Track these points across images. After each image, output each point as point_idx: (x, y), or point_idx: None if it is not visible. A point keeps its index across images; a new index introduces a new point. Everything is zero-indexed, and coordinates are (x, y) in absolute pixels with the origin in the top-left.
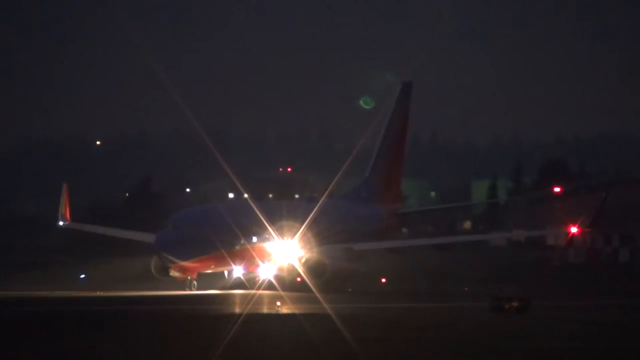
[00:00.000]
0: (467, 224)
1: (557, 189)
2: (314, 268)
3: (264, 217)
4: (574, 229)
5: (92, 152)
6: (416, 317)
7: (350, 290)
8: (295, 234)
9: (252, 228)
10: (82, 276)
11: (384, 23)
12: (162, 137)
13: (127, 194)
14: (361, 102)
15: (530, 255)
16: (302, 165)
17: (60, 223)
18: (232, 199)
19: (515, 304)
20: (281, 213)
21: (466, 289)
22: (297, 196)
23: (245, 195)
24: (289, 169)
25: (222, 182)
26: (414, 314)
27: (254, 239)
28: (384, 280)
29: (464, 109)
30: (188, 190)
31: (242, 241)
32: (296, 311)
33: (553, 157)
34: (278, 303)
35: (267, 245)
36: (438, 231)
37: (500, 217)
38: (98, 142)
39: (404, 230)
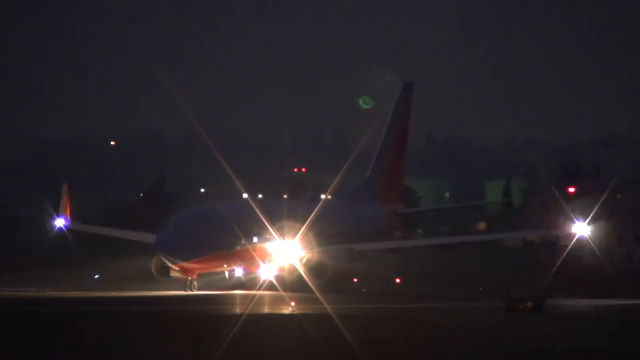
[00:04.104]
0: (481, 225)
1: (571, 190)
2: (315, 268)
3: (264, 217)
4: (577, 229)
5: (106, 152)
6: (431, 318)
7: (364, 290)
8: (296, 234)
9: (253, 228)
10: (96, 276)
11: (399, 23)
12: (176, 138)
13: (141, 195)
14: (360, 102)
15: (544, 255)
16: (317, 165)
17: (62, 223)
18: (245, 198)
19: (529, 304)
20: (282, 213)
21: (480, 289)
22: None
23: (260, 196)
24: (304, 170)
25: (236, 182)
26: (428, 314)
27: (255, 239)
28: (398, 280)
29: (479, 109)
30: (202, 190)
31: (243, 241)
32: (299, 312)
33: (567, 158)
34: (292, 303)
35: (268, 246)
36: (453, 231)
37: (515, 217)
38: (112, 143)
39: (419, 230)
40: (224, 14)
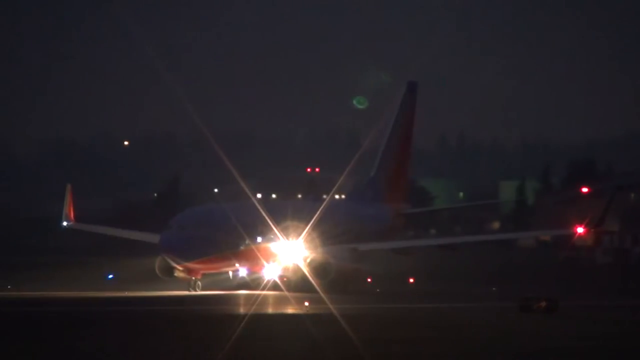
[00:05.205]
0: (495, 224)
1: (585, 189)
2: (319, 268)
3: (268, 217)
4: (580, 229)
5: (119, 153)
6: (444, 317)
7: (378, 290)
8: (300, 234)
9: (257, 228)
10: (110, 276)
11: (413, 23)
12: (190, 139)
13: (155, 195)
14: (355, 102)
15: (557, 255)
16: (331, 166)
17: (64, 223)
18: (248, 198)
19: (543, 304)
20: (286, 213)
21: (494, 288)
22: (324, 196)
23: (275, 196)
24: (317, 170)
25: (250, 182)
26: (441, 314)
27: (259, 239)
28: (411, 280)
29: (492, 109)
30: (216, 190)
31: (247, 241)
32: (304, 312)
33: (581, 157)
34: (306, 303)
35: (272, 246)
36: (466, 231)
37: (529, 217)
38: (126, 143)
39: (433, 230)
40: (236, 14)
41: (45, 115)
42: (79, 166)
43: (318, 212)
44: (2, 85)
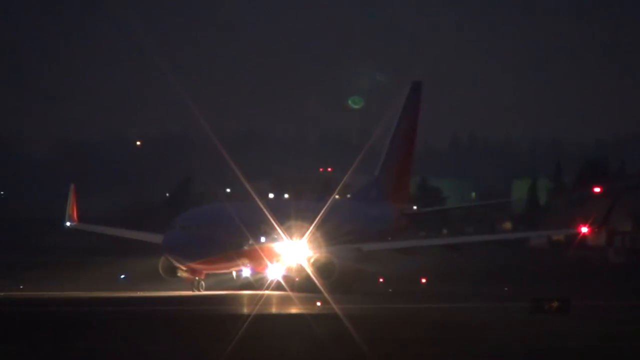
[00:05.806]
0: (507, 225)
1: (597, 189)
2: (322, 269)
3: (272, 217)
4: (584, 229)
5: (131, 152)
6: (454, 318)
7: (390, 290)
8: (304, 234)
9: (261, 228)
10: (122, 276)
11: (423, 24)
12: (203, 139)
13: (167, 195)
14: (350, 102)
15: (569, 254)
16: (343, 165)
17: (68, 224)
18: (271, 198)
19: (555, 304)
20: (289, 213)
21: (506, 289)
22: (336, 196)
23: (288, 196)
24: (330, 170)
25: (262, 182)
26: (451, 314)
27: (263, 239)
28: (424, 280)
29: (504, 109)
30: (228, 190)
31: (251, 241)
32: (307, 312)
33: (593, 157)
34: (318, 303)
35: (276, 246)
36: (478, 231)
37: (541, 217)
38: (138, 143)
39: (444, 230)
40: (249, 15)
41: (45, 115)
42: (84, 166)
43: (322, 212)
44: (2, 85)
